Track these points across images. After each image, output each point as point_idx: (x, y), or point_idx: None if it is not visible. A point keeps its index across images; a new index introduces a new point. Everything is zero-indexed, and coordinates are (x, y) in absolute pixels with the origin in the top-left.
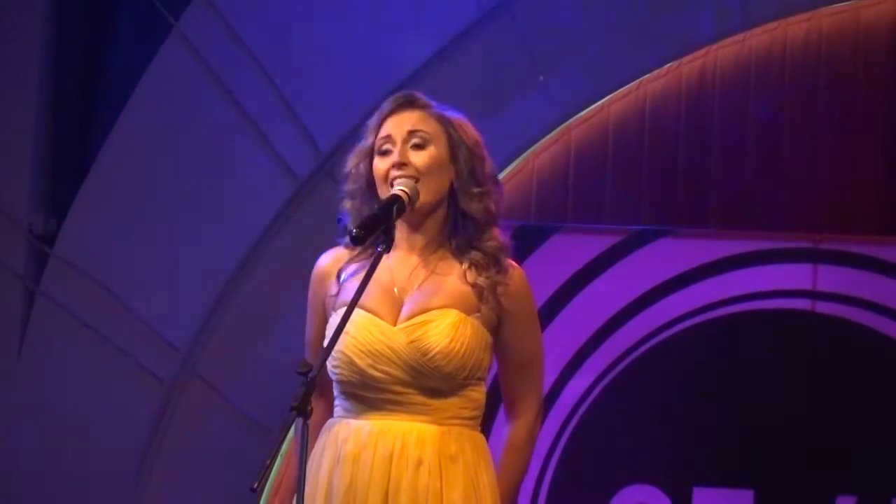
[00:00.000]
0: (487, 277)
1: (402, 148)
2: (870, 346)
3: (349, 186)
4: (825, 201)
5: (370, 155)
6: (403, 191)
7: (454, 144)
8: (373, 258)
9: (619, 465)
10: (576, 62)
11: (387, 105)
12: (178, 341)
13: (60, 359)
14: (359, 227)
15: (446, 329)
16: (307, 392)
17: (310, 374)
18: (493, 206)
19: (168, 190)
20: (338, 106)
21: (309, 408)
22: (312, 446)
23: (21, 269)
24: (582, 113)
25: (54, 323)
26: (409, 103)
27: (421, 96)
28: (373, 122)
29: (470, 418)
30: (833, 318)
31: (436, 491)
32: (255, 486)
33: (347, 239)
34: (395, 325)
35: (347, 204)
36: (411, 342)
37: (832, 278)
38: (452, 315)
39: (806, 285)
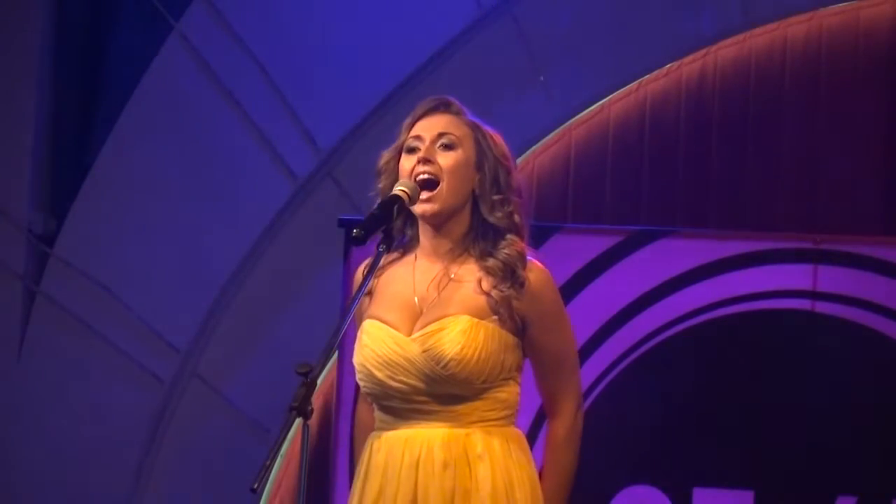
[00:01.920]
0: (501, 291)
1: (429, 146)
2: (870, 346)
3: (381, 184)
4: (825, 201)
5: (400, 153)
6: (403, 190)
7: (481, 151)
8: (374, 261)
9: (619, 465)
10: (576, 62)
11: (420, 107)
12: (178, 341)
13: (60, 359)
14: (359, 227)
15: (458, 336)
16: (307, 392)
17: (310, 375)
18: (515, 217)
19: (168, 190)
20: (338, 106)
21: (309, 408)
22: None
23: (21, 269)
24: (582, 113)
25: (54, 323)
26: (443, 107)
27: (455, 101)
28: (406, 122)
29: (499, 418)
30: (833, 318)
31: (464, 491)
32: (256, 486)
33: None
34: (410, 335)
35: (379, 200)
36: (425, 351)
37: (832, 278)
38: (464, 321)
39: (806, 285)
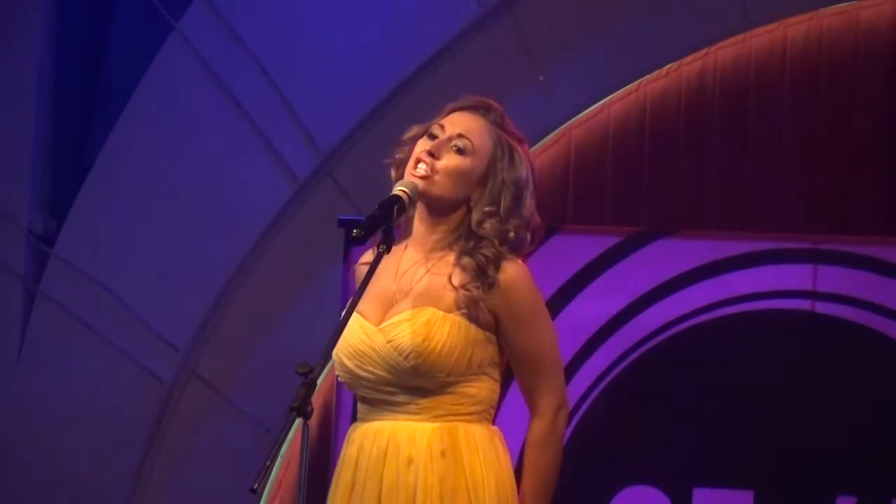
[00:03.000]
0: (467, 290)
1: (442, 142)
2: (870, 346)
3: (398, 155)
4: (825, 201)
5: (426, 133)
6: (403, 191)
7: (492, 169)
8: (374, 260)
9: (619, 465)
10: (576, 62)
11: (463, 100)
12: (178, 341)
13: (60, 359)
14: (358, 227)
15: (420, 328)
16: (307, 392)
17: (310, 375)
18: (511, 234)
19: (168, 190)
20: (338, 106)
21: (309, 408)
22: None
23: (21, 269)
24: (582, 113)
25: (54, 323)
26: (481, 109)
27: (497, 109)
28: (447, 106)
29: (469, 414)
30: (833, 318)
31: (426, 487)
32: (256, 486)
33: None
34: (379, 325)
35: (392, 171)
36: (388, 342)
37: (832, 278)
38: (428, 313)
39: (806, 285)
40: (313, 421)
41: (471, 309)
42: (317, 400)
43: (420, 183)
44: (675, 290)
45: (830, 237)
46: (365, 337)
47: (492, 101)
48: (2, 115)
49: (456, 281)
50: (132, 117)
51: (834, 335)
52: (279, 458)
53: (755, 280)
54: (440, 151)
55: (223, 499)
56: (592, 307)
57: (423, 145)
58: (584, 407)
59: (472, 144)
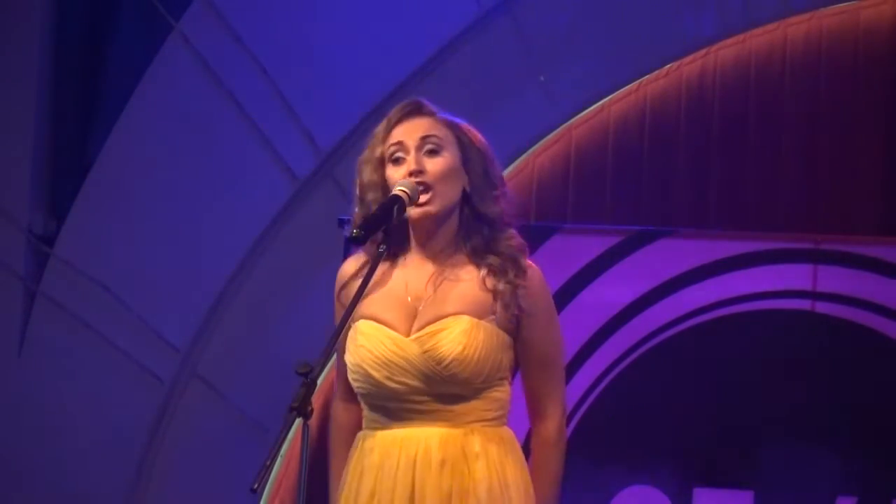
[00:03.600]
0: (507, 282)
1: (416, 155)
2: (870, 346)
3: (368, 197)
4: (825, 201)
5: (382, 164)
6: (403, 191)
7: (465, 149)
8: (373, 261)
9: (619, 465)
10: (576, 62)
11: (395, 113)
12: (178, 341)
13: (60, 359)
14: (358, 227)
15: (459, 336)
16: (307, 392)
17: (310, 375)
18: (508, 207)
19: (168, 190)
20: (338, 106)
21: (309, 408)
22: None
23: (21, 269)
24: (582, 113)
25: (54, 323)
26: (416, 110)
27: (427, 103)
28: (380, 130)
29: (495, 418)
30: (833, 318)
31: (461, 489)
32: (256, 486)
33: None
34: (408, 335)
35: (364, 212)
36: (425, 352)
37: (832, 278)
38: (464, 321)
39: (806, 285)
40: (313, 421)
41: (510, 302)
42: (317, 400)
43: (423, 210)
44: (675, 290)
45: (830, 237)
46: (396, 348)
47: (417, 98)
48: (2, 115)
49: (490, 283)
50: (132, 117)
51: (834, 335)
52: (279, 458)
53: (755, 280)
54: (422, 163)
55: (223, 499)
56: (592, 308)
57: (399, 172)
58: (585, 407)
59: (439, 139)
